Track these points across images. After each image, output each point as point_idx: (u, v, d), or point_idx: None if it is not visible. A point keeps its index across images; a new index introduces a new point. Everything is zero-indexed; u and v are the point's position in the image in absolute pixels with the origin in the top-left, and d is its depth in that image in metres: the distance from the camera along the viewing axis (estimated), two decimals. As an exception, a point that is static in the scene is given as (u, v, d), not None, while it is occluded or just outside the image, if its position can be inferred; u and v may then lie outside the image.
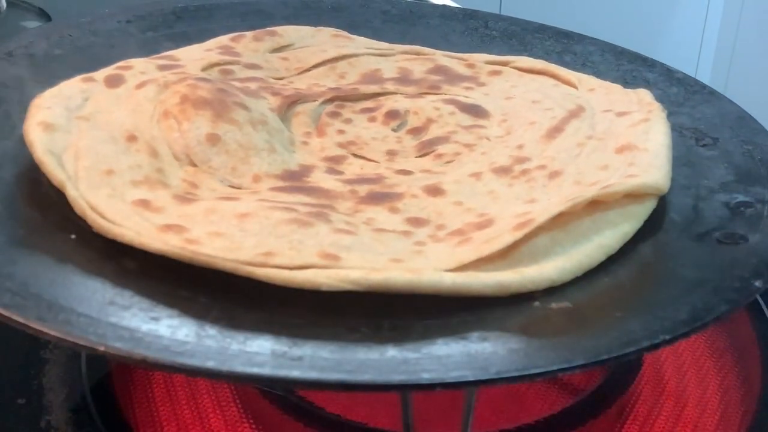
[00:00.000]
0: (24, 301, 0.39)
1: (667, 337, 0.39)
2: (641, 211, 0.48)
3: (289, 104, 0.58)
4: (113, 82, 0.56)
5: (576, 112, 0.58)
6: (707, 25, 1.79)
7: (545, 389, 0.55)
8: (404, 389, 0.41)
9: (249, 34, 0.66)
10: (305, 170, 0.52)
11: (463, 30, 0.72)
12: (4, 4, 0.85)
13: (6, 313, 0.38)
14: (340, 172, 0.53)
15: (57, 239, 0.44)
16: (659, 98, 0.59)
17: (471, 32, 0.72)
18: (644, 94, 0.59)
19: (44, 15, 0.91)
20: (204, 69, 0.60)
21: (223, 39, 0.65)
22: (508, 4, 1.76)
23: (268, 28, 0.67)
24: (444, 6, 0.78)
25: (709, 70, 1.78)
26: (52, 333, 0.37)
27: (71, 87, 0.54)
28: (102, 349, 0.37)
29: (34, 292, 0.40)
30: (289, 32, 0.67)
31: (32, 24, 0.88)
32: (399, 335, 0.39)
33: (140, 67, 0.58)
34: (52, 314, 0.38)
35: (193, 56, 0.62)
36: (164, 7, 0.71)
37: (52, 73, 0.58)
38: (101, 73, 0.57)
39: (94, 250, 0.44)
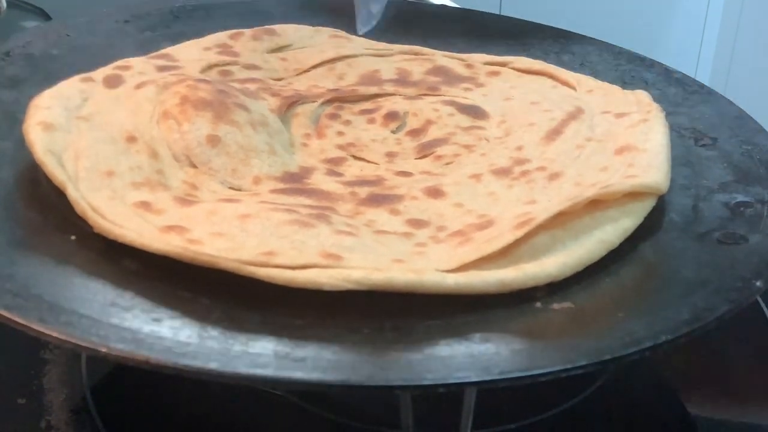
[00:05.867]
0: (25, 302, 0.39)
1: (669, 337, 0.39)
2: (641, 208, 0.48)
3: (289, 105, 0.58)
4: (112, 82, 0.56)
5: (575, 114, 0.58)
6: (707, 25, 1.79)
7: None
8: (407, 390, 0.41)
9: (248, 32, 0.66)
10: (305, 172, 0.52)
11: (463, 30, 0.72)
12: (4, 4, 0.84)
13: (7, 315, 0.38)
14: (340, 174, 0.52)
15: (57, 240, 0.44)
16: (658, 98, 0.59)
17: (470, 32, 0.72)
18: (643, 95, 0.59)
19: (44, 15, 0.90)
20: (203, 71, 0.60)
21: (222, 36, 0.65)
22: (508, 4, 1.76)
23: (266, 27, 0.67)
24: (443, 6, 0.78)
25: (709, 70, 1.78)
26: (54, 335, 0.37)
27: (70, 87, 0.54)
28: (104, 350, 0.37)
29: (35, 294, 0.40)
30: (287, 31, 0.67)
31: (32, 24, 0.88)
32: (401, 336, 0.39)
33: (139, 67, 0.58)
34: (54, 316, 0.38)
35: (192, 56, 0.62)
36: (162, 6, 0.70)
37: (50, 72, 0.58)
38: (100, 73, 0.57)
39: (94, 251, 0.44)
